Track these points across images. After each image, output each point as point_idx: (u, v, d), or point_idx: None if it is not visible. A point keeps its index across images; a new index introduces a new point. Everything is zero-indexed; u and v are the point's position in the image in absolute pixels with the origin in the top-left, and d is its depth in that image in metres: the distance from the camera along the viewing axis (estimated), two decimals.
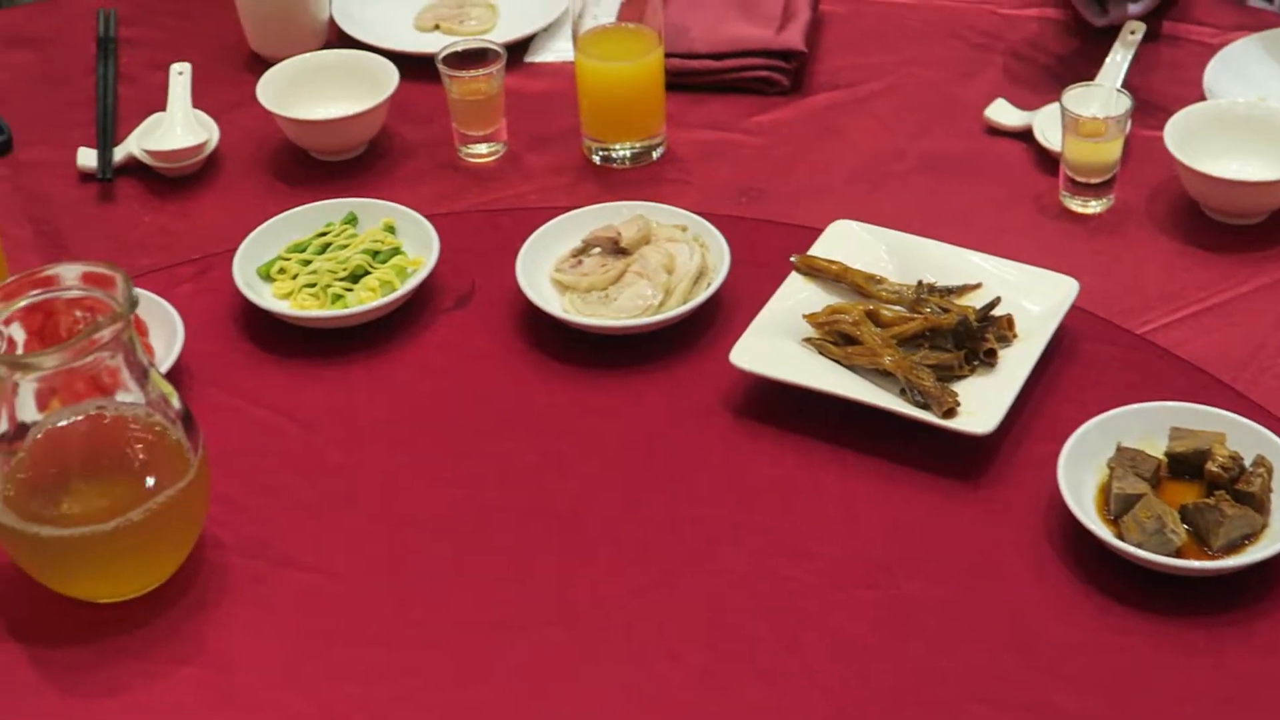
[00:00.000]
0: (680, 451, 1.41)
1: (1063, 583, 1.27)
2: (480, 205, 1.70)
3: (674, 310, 1.49)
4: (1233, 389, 1.42)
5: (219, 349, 1.53)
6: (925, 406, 1.38)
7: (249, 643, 1.27)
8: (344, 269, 1.55)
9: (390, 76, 1.76)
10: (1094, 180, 1.61)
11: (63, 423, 1.24)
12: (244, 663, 1.25)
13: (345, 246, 1.58)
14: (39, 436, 1.24)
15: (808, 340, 1.45)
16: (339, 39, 1.93)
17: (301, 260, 1.57)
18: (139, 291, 1.24)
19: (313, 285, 1.55)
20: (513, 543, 1.34)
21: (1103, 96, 1.61)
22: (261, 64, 1.85)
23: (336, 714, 1.22)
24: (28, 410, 1.23)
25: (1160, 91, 1.77)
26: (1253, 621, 1.24)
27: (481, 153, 1.76)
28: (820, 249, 1.53)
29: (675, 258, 1.54)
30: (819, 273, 1.51)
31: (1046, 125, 1.70)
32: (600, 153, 1.75)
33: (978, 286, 1.49)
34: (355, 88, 1.77)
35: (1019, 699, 1.20)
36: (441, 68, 1.72)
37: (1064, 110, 1.58)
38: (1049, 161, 1.68)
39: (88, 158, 1.76)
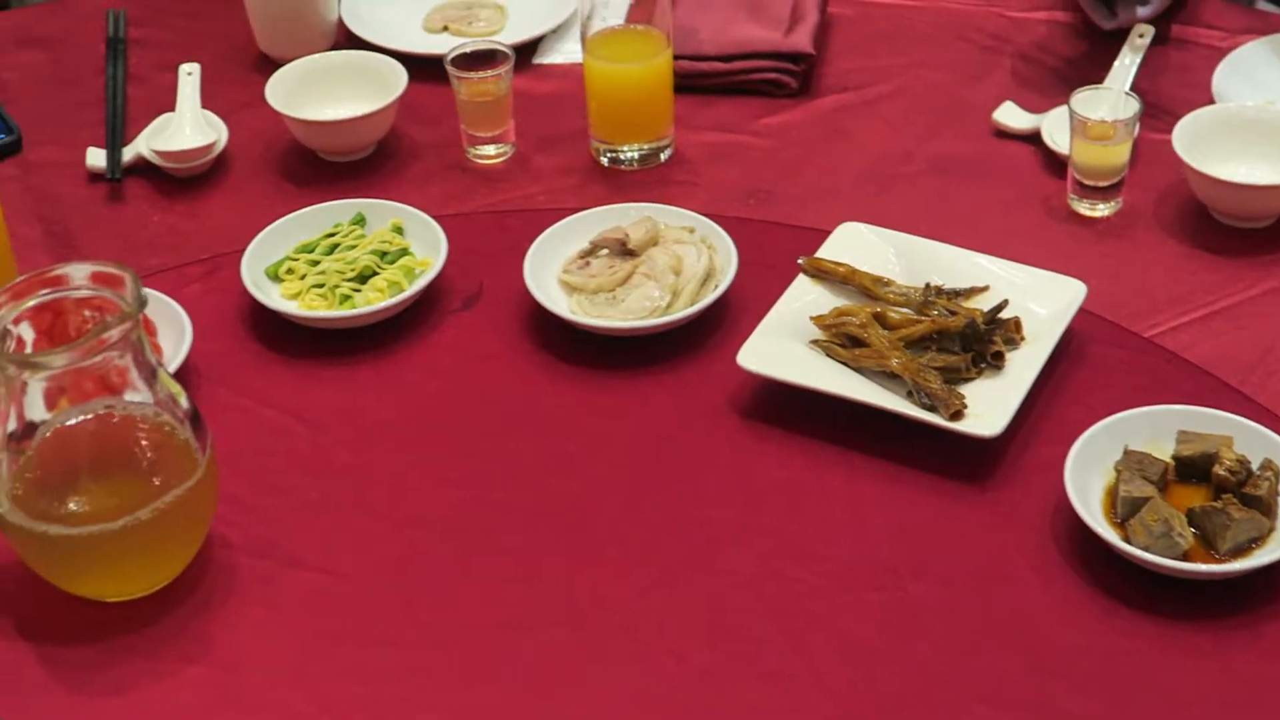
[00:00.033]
0: (687, 453, 1.41)
1: (1069, 585, 1.27)
2: (488, 206, 1.70)
3: (681, 312, 1.49)
4: (1240, 392, 1.42)
5: (227, 349, 1.53)
6: (932, 409, 1.38)
7: (256, 642, 1.27)
8: (352, 269, 1.55)
9: (399, 78, 1.77)
10: (1102, 183, 1.61)
11: (71, 422, 1.25)
12: (251, 662, 1.26)
13: (353, 247, 1.58)
14: (47, 435, 1.24)
15: (815, 342, 1.45)
16: (348, 40, 1.93)
17: (310, 261, 1.57)
18: (147, 291, 1.24)
19: (321, 286, 1.55)
20: (520, 543, 1.34)
21: (1111, 99, 1.61)
22: (270, 65, 1.85)
23: (343, 714, 1.22)
24: (36, 409, 1.23)
25: (1169, 95, 1.77)
26: (1260, 625, 1.24)
27: (489, 154, 1.76)
28: (828, 251, 1.53)
29: (683, 259, 1.54)
30: (826, 275, 1.51)
31: (1055, 128, 1.70)
32: (608, 154, 1.75)
33: (985, 289, 1.49)
34: (364, 89, 1.78)
35: (1025, 702, 1.20)
36: (450, 69, 1.72)
37: (1072, 113, 1.58)
38: (1057, 164, 1.68)
39: (97, 158, 1.77)
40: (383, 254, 1.57)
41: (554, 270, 1.56)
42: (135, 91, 1.89)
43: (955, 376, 1.40)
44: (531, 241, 1.56)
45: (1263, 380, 1.44)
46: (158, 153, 1.74)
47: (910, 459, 1.38)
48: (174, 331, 1.48)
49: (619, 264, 1.54)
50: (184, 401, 1.27)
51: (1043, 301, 1.46)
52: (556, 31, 1.95)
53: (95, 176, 1.77)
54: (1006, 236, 1.58)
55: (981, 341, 1.42)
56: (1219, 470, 1.29)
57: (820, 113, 1.81)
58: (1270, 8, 1.97)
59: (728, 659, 1.24)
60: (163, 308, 1.50)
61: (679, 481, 1.38)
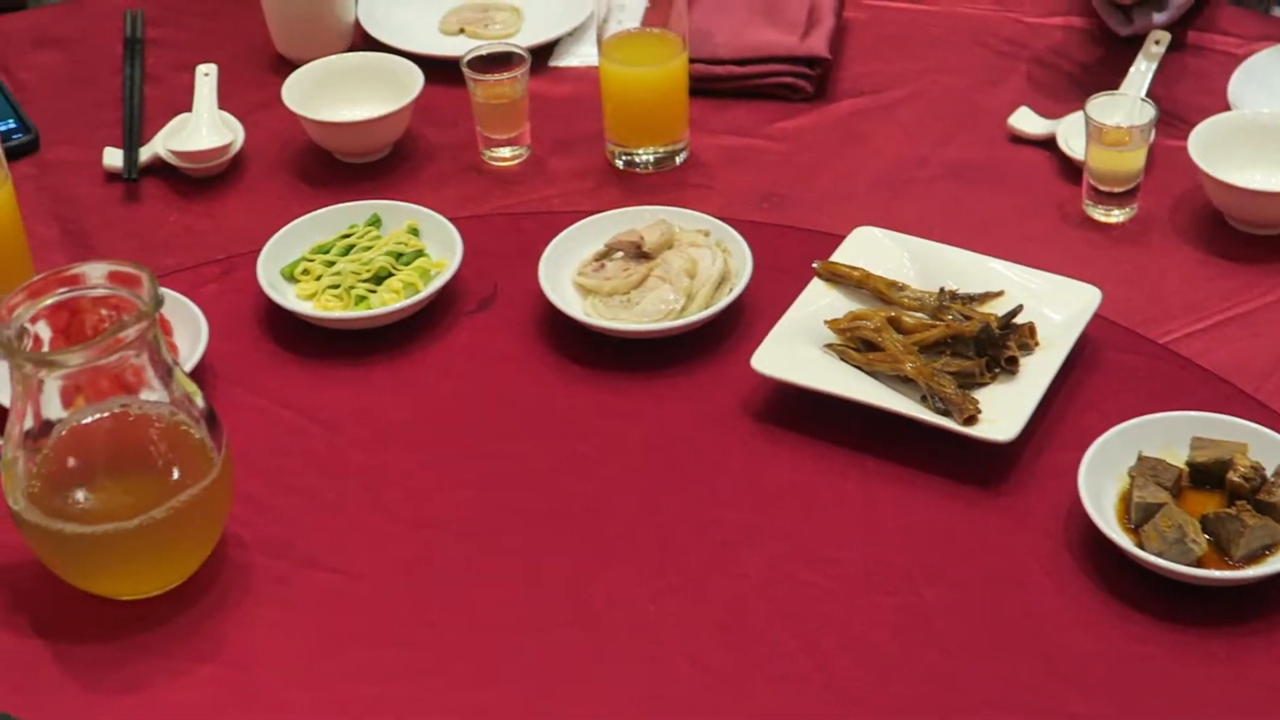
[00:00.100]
0: (701, 456, 1.41)
1: (1083, 591, 1.27)
2: (503, 208, 1.71)
3: (696, 315, 1.50)
4: (1255, 399, 1.42)
5: (243, 349, 1.53)
6: (946, 413, 1.38)
7: (270, 642, 1.27)
8: (367, 270, 1.56)
9: (415, 79, 1.77)
10: (1117, 189, 1.61)
11: (87, 420, 1.25)
12: (265, 661, 1.26)
13: (369, 248, 1.58)
14: (64, 434, 1.25)
15: (829, 346, 1.45)
16: (364, 42, 1.93)
17: (325, 261, 1.58)
18: (164, 291, 1.25)
19: (336, 286, 1.55)
20: (533, 544, 1.34)
21: (1127, 106, 1.61)
22: (287, 66, 1.86)
23: (356, 714, 1.22)
24: (53, 407, 1.23)
25: (1184, 101, 1.76)
26: (1273, 631, 1.23)
27: (505, 156, 1.77)
28: (842, 255, 1.54)
29: (698, 263, 1.54)
30: (841, 279, 1.51)
31: (1070, 134, 1.70)
32: (623, 157, 1.75)
33: (1000, 294, 1.49)
34: (380, 90, 1.78)
35: (1038, 706, 1.20)
36: (466, 71, 1.73)
37: (1088, 119, 1.58)
38: (1072, 170, 1.68)
39: (114, 158, 1.77)
40: (398, 255, 1.58)
41: (569, 273, 1.56)
42: (152, 92, 1.89)
43: (969, 381, 1.40)
44: (546, 244, 1.56)
45: (1277, 387, 1.43)
46: (174, 153, 1.74)
47: (924, 463, 1.38)
48: (190, 331, 1.49)
49: (634, 267, 1.55)
50: (199, 401, 1.27)
51: (1057, 307, 1.46)
52: (572, 34, 1.96)
53: (112, 176, 1.77)
54: (1021, 242, 1.58)
55: (996, 346, 1.42)
56: (1233, 477, 1.29)
57: (835, 117, 1.82)
58: None
59: (740, 661, 1.24)
60: (179, 307, 1.50)
61: (692, 484, 1.39)
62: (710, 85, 1.83)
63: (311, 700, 1.23)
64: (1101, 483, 1.31)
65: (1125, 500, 1.30)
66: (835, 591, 1.29)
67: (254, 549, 1.34)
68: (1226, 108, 1.71)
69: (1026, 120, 1.75)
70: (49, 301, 1.23)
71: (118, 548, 1.24)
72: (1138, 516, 1.28)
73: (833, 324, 1.47)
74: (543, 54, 1.91)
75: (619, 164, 1.75)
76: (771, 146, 1.77)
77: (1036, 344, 1.44)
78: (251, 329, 1.56)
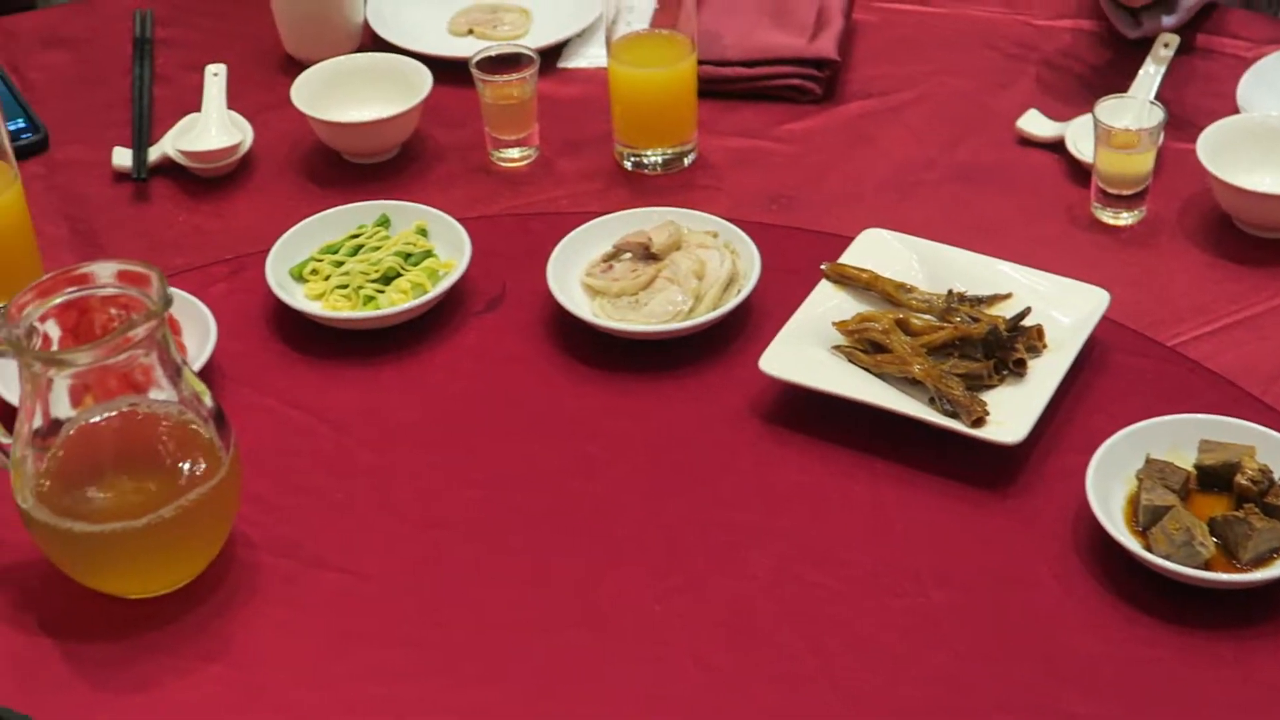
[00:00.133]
0: (708, 457, 1.41)
1: (1090, 593, 1.27)
2: (512, 209, 1.71)
3: (704, 316, 1.50)
4: (1263, 402, 1.42)
5: (251, 349, 1.53)
6: (954, 415, 1.38)
7: (278, 641, 1.27)
8: (376, 271, 1.56)
9: (424, 80, 1.77)
10: (1126, 192, 1.61)
11: (96, 419, 1.25)
12: (272, 661, 1.26)
13: (377, 248, 1.59)
14: (72, 433, 1.25)
15: (837, 348, 1.45)
16: (373, 42, 1.94)
17: (334, 261, 1.58)
18: (172, 290, 1.25)
19: (345, 287, 1.55)
20: (540, 545, 1.34)
21: (1135, 108, 1.61)
22: (296, 66, 1.86)
23: (363, 714, 1.22)
24: (61, 406, 1.24)
25: (1193, 104, 1.76)
26: None
27: (513, 157, 1.77)
28: (851, 257, 1.54)
29: (706, 264, 1.54)
30: (849, 281, 1.51)
31: (1079, 136, 1.69)
32: (632, 158, 1.75)
33: (1008, 297, 1.49)
34: (389, 91, 1.78)
35: (1046, 709, 1.20)
36: (475, 72, 1.73)
37: (1096, 122, 1.58)
38: (1081, 173, 1.68)
39: (123, 157, 1.77)
40: (407, 255, 1.58)
41: (577, 273, 1.56)
42: (161, 92, 1.89)
43: (977, 383, 1.40)
44: (555, 244, 1.56)
45: None
46: (183, 153, 1.74)
47: (932, 465, 1.38)
48: (199, 331, 1.49)
49: (642, 268, 1.55)
50: (208, 400, 1.28)
51: (1065, 309, 1.46)
52: (581, 36, 1.96)
53: (121, 176, 1.77)
54: (1030, 244, 1.58)
55: (1004, 349, 1.42)
56: (1241, 480, 1.29)
57: (844, 119, 1.82)
58: None
59: (747, 663, 1.24)
60: (188, 307, 1.50)
61: (700, 485, 1.39)
62: (719, 87, 1.83)
63: (319, 700, 1.23)
64: (1109, 485, 1.31)
65: (1133, 503, 1.30)
66: (842, 593, 1.29)
67: (262, 548, 1.34)
68: (1235, 111, 1.70)
69: (1035, 123, 1.75)
70: (58, 300, 1.23)
71: (126, 547, 1.24)
72: (1145, 519, 1.28)
73: (841, 326, 1.47)
74: (551, 55, 1.91)
75: (627, 165, 1.75)
76: (780, 148, 1.77)
77: (1044, 346, 1.44)
78: (260, 329, 1.56)
